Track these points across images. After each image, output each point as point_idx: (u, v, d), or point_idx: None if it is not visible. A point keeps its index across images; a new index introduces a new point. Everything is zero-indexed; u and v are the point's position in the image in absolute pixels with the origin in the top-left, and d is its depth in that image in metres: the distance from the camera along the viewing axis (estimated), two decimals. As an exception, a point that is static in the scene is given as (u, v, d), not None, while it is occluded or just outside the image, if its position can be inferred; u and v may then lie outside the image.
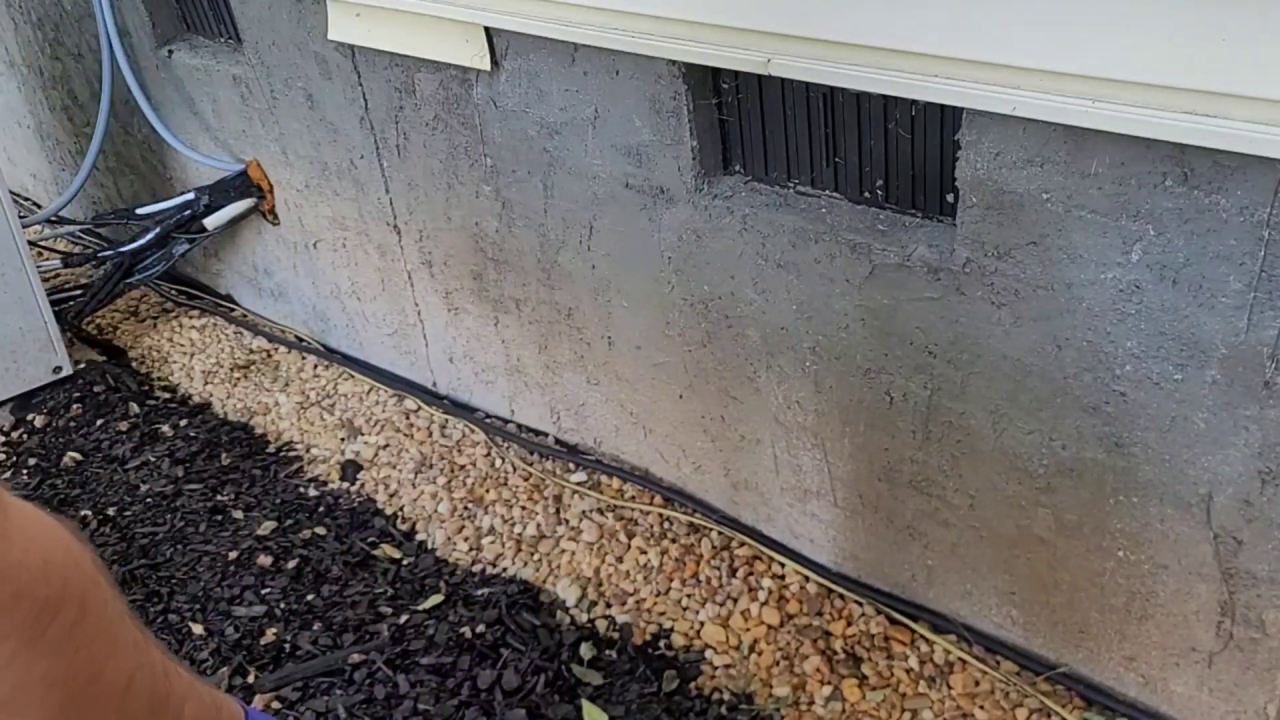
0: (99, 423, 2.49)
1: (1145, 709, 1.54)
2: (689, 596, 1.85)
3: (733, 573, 1.87)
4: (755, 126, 1.56)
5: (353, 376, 2.53)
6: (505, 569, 1.97)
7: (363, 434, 2.35)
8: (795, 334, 1.61)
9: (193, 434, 2.43)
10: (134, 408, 2.53)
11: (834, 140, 1.49)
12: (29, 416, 2.52)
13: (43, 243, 2.95)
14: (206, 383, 2.60)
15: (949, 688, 1.64)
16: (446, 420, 2.34)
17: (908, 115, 1.38)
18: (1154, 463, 1.33)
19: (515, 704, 1.69)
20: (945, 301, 1.40)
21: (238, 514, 2.17)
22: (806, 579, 1.84)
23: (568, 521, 2.04)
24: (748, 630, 1.78)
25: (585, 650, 1.78)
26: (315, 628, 1.88)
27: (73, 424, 2.49)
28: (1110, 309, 1.26)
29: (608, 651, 1.78)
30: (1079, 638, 1.56)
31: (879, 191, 1.48)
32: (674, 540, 1.96)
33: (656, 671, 1.73)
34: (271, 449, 2.36)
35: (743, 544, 1.92)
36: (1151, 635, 1.47)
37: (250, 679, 1.79)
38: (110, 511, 2.20)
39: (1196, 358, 1.22)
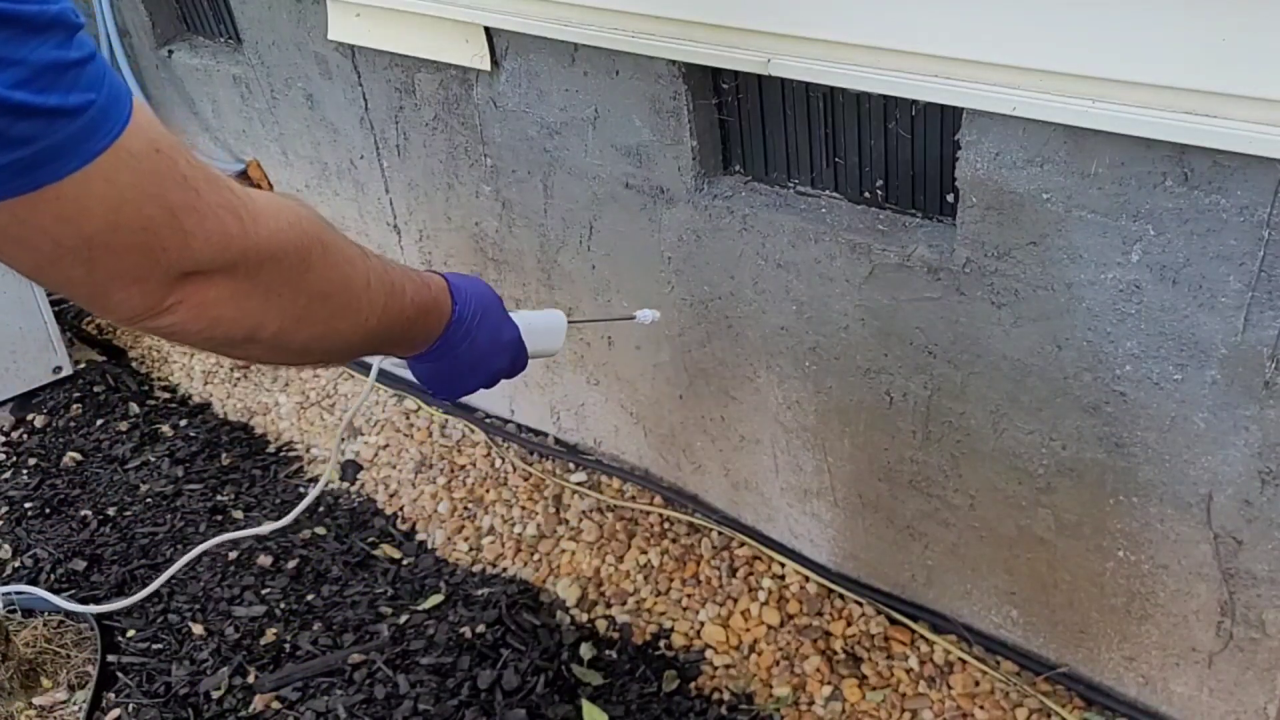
0: (99, 423, 2.49)
1: (1145, 709, 1.54)
2: (689, 596, 1.85)
3: (733, 573, 1.87)
4: (755, 126, 1.56)
5: (352, 376, 2.53)
6: (505, 569, 1.97)
7: (363, 434, 2.35)
8: (795, 334, 1.61)
9: (193, 434, 2.43)
10: (134, 408, 2.53)
11: (834, 140, 1.49)
12: (29, 416, 2.52)
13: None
14: (206, 383, 2.60)
15: (949, 688, 1.64)
16: (446, 420, 2.34)
17: (908, 115, 1.38)
18: (1154, 463, 1.33)
19: (515, 704, 1.69)
20: (945, 301, 1.40)
21: (238, 514, 2.17)
22: (806, 579, 1.84)
23: (568, 521, 2.04)
24: (748, 630, 1.78)
25: (585, 650, 1.78)
26: (315, 628, 1.88)
27: (73, 424, 2.49)
28: (1110, 309, 1.26)
29: (608, 651, 1.78)
30: (1079, 638, 1.56)
31: (879, 191, 1.48)
32: (674, 540, 1.96)
33: (656, 671, 1.73)
34: (271, 449, 2.36)
35: (743, 544, 1.92)
36: (1151, 635, 1.47)
37: (250, 679, 1.79)
38: (110, 511, 2.20)
39: (1196, 358, 1.23)
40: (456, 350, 1.09)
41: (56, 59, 0.58)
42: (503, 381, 2.25)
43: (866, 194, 1.50)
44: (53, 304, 2.54)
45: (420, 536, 2.07)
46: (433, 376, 1.14)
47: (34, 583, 2.03)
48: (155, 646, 1.87)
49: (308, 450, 2.34)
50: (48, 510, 2.23)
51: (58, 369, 2.58)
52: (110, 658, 1.84)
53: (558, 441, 2.22)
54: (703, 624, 1.80)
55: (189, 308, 0.72)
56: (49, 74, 0.58)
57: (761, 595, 1.82)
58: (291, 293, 0.80)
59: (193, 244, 0.69)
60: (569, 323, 1.33)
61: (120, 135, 0.62)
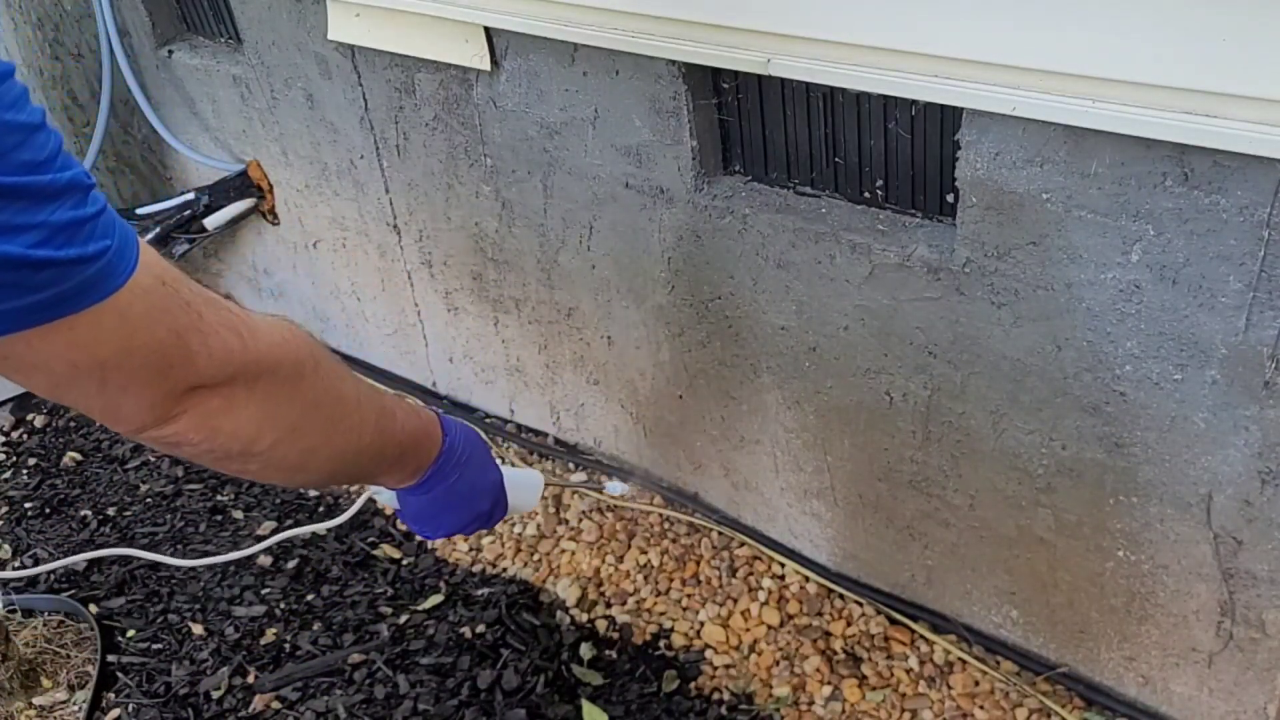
0: (99, 423, 2.49)
1: (1145, 709, 1.54)
2: (689, 596, 1.85)
3: (733, 573, 1.87)
4: (755, 126, 1.56)
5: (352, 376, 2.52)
6: (505, 569, 1.97)
7: (363, 434, 2.35)
8: (795, 334, 1.61)
9: (193, 434, 2.42)
10: (134, 408, 2.52)
11: (834, 140, 1.49)
12: (29, 416, 2.52)
13: (43, 243, 2.95)
14: (206, 383, 2.60)
15: (949, 688, 1.64)
16: (446, 420, 2.34)
17: (908, 115, 1.38)
18: (1154, 463, 1.33)
19: (515, 704, 1.69)
20: (945, 301, 1.41)
21: (238, 514, 2.17)
22: (806, 579, 1.84)
23: (568, 521, 2.04)
24: (748, 630, 1.78)
25: (585, 650, 1.78)
26: (315, 628, 1.88)
27: (73, 424, 2.49)
28: (1110, 309, 1.26)
29: (608, 651, 1.78)
30: (1079, 638, 1.56)
31: (879, 191, 1.48)
32: (674, 540, 1.96)
33: (656, 671, 1.73)
34: (271, 449, 2.36)
35: (743, 544, 1.92)
36: (1151, 635, 1.47)
37: (250, 679, 1.79)
38: (110, 511, 2.20)
39: (1196, 358, 1.23)
40: (447, 481, 1.15)
41: (74, 217, 0.65)
42: (502, 382, 2.28)
43: (866, 194, 1.50)
44: (53, 304, 2.54)
45: (420, 536, 2.07)
46: (420, 511, 1.19)
47: (34, 583, 2.03)
48: (155, 646, 1.87)
49: (308, 450, 2.34)
50: (48, 510, 2.23)
51: (58, 369, 2.58)
52: (110, 657, 1.84)
53: (558, 441, 2.22)
54: (703, 624, 1.80)
55: (191, 418, 0.79)
56: (67, 230, 0.65)
57: (761, 595, 1.82)
58: (287, 403, 0.87)
59: (198, 361, 0.77)
60: (545, 484, 1.41)
61: (132, 274, 0.70)
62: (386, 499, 1.25)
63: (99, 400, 0.75)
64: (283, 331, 0.88)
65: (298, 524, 2.12)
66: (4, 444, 2.45)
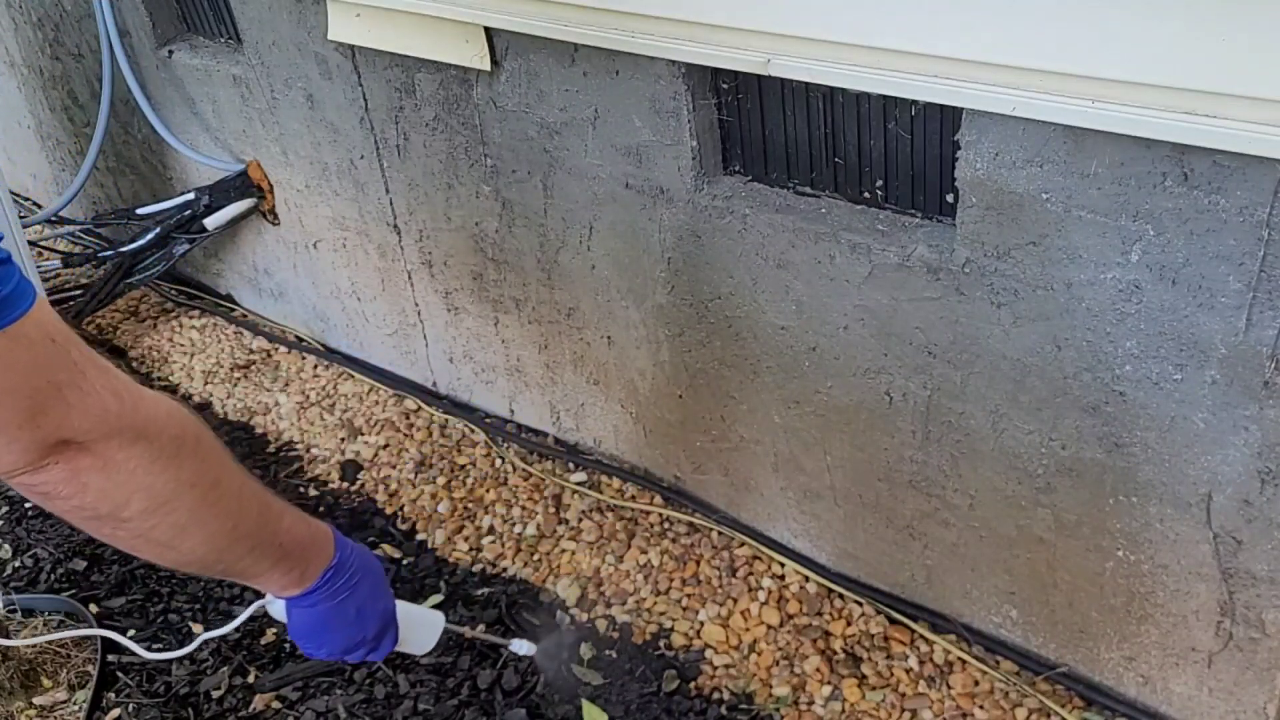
0: None
1: (1145, 709, 1.54)
2: (689, 596, 1.85)
3: (733, 573, 1.87)
4: (755, 126, 1.56)
5: (353, 376, 2.53)
6: (505, 569, 1.97)
7: (363, 434, 2.35)
8: (795, 334, 1.61)
9: (193, 434, 2.42)
10: (134, 408, 2.52)
11: (834, 140, 1.49)
12: (29, 416, 2.52)
13: (43, 243, 2.96)
14: (207, 383, 2.60)
15: (949, 687, 1.64)
16: (446, 420, 2.34)
17: (908, 115, 1.38)
18: (1154, 463, 1.33)
19: (515, 704, 1.69)
20: (945, 301, 1.41)
21: (238, 514, 2.17)
22: (806, 579, 1.84)
23: (568, 521, 2.04)
24: (748, 630, 1.78)
25: (585, 650, 1.78)
26: (315, 628, 1.87)
27: (73, 424, 2.49)
28: (1110, 309, 1.26)
29: (608, 651, 1.78)
30: (1079, 637, 1.56)
31: (879, 191, 1.48)
32: (674, 540, 1.96)
33: (656, 671, 1.73)
34: (271, 449, 2.36)
35: (743, 544, 1.92)
36: (1151, 635, 1.47)
37: (250, 679, 1.79)
38: (110, 511, 2.20)
39: (1196, 358, 1.23)
40: (335, 600, 1.14)
41: None
42: (502, 381, 2.26)
43: (866, 194, 1.50)
44: (53, 304, 2.54)
45: (420, 536, 2.07)
46: (304, 624, 1.17)
47: (34, 583, 2.03)
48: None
49: (308, 450, 2.34)
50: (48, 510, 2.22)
51: (58, 369, 2.57)
52: (110, 657, 1.84)
53: (558, 441, 2.22)
54: (702, 624, 1.80)
55: (62, 470, 0.83)
56: None
57: (761, 595, 1.82)
58: (161, 474, 0.89)
59: (72, 414, 0.81)
60: (445, 626, 1.35)
61: (14, 323, 0.76)
62: (277, 611, 1.21)
63: None
64: (169, 406, 0.91)
65: (298, 524, 2.11)
66: (4, 444, 2.45)
